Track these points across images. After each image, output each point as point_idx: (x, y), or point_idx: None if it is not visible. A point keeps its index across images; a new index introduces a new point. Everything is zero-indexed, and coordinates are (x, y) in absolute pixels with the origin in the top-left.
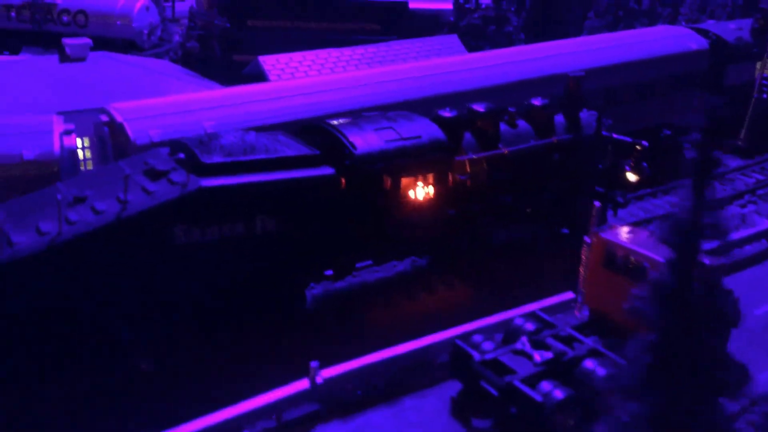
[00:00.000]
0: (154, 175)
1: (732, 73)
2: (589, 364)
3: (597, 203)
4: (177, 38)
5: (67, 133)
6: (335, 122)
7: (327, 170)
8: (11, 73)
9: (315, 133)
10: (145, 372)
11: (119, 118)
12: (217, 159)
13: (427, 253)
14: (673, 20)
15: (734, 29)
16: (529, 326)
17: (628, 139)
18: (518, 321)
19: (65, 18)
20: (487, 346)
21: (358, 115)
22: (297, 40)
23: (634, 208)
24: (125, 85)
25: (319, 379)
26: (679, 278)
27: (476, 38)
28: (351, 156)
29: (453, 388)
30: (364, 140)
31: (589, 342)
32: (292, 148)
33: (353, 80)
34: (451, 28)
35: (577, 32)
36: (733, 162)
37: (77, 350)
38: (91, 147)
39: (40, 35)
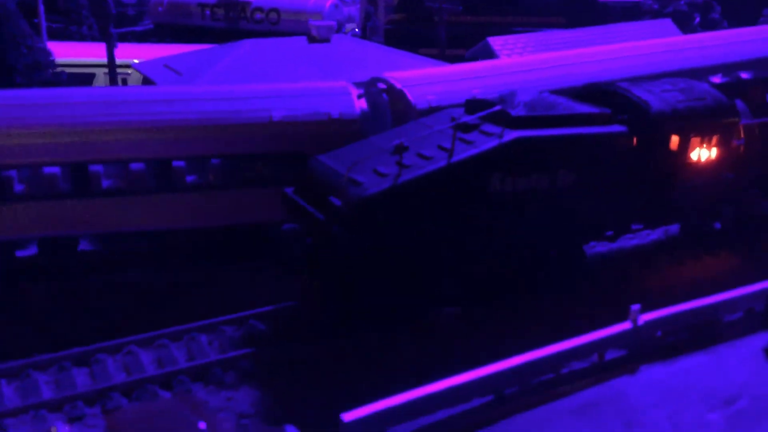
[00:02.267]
0: (466, 128)
1: None
2: None
3: None
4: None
5: (360, 96)
6: (623, 84)
7: (620, 127)
8: (269, 51)
9: (599, 94)
10: (448, 318)
11: (398, 86)
12: (523, 112)
13: (701, 218)
14: None
15: None
16: None
17: None
18: None
19: (258, 16)
20: None
21: (638, 80)
22: (482, 34)
23: None
24: (371, 62)
25: (640, 321)
26: None
27: (680, 26)
28: (646, 114)
29: (760, 340)
30: (656, 100)
31: None
32: (584, 106)
33: (599, 54)
34: (652, 15)
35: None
36: None
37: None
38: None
39: (233, 33)
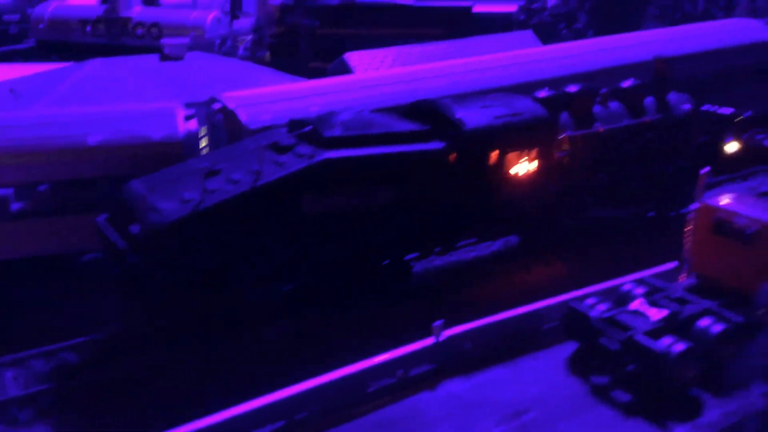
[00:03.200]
0: (280, 149)
1: None
2: (704, 321)
3: (704, 170)
4: (240, 51)
5: (189, 118)
6: (444, 101)
7: (437, 144)
8: (116, 71)
9: (423, 111)
10: (269, 338)
11: (231, 105)
12: (338, 133)
13: (528, 229)
14: None
15: None
16: (640, 290)
17: (728, 111)
18: (627, 286)
19: (140, 31)
20: (601, 307)
21: (462, 96)
22: (362, 46)
23: None
24: (223, 80)
25: (441, 337)
26: None
27: (546, 36)
28: (460, 131)
29: (564, 350)
30: (472, 116)
31: (703, 302)
32: (404, 124)
33: (445, 69)
34: (520, 26)
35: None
36: None
37: (213, 310)
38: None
39: (115, 48)
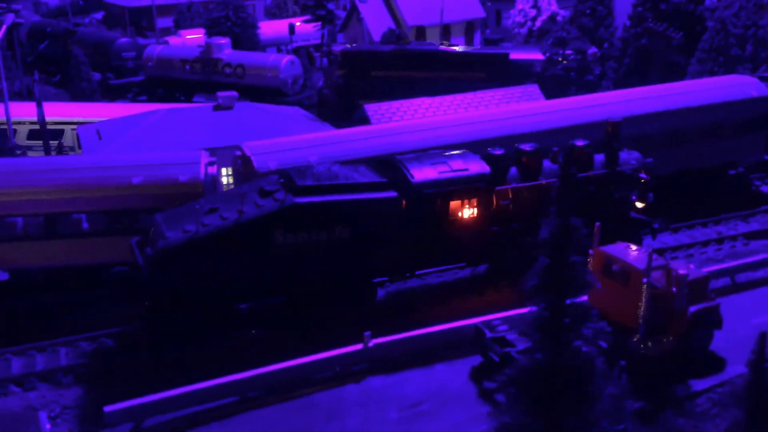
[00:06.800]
0: (264, 193)
1: None
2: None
3: (597, 223)
4: (320, 84)
5: (211, 164)
6: (403, 158)
7: (391, 193)
8: (178, 118)
9: (387, 166)
10: (253, 336)
11: (248, 153)
12: (309, 182)
13: (475, 262)
14: None
15: None
16: None
17: (628, 173)
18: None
19: (228, 70)
20: (502, 328)
21: (422, 153)
22: (412, 87)
23: (683, 236)
24: (260, 128)
25: (370, 344)
26: None
27: (561, 87)
28: (409, 183)
29: (474, 361)
30: (421, 172)
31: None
32: (366, 176)
33: (431, 124)
34: (538, 78)
35: (680, 78)
36: None
37: (207, 318)
38: (232, 174)
39: (207, 84)
